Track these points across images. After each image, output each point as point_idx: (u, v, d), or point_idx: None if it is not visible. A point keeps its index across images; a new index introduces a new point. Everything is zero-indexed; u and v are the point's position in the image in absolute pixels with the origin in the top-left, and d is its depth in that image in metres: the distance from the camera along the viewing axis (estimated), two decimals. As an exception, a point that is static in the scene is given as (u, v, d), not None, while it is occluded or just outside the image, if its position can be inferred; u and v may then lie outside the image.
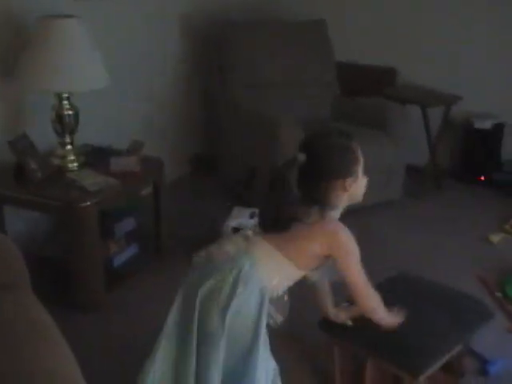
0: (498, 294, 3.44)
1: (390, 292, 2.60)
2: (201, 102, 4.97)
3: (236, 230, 3.47)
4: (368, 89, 4.90)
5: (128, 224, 3.58)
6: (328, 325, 2.53)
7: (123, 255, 3.52)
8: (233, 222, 3.50)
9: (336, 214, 2.21)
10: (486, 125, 4.88)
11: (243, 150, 4.32)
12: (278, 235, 2.16)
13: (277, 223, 2.16)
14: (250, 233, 2.41)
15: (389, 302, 2.43)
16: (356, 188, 2.21)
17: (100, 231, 3.18)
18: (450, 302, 2.62)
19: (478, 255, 3.91)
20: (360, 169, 2.20)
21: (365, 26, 5.25)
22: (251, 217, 3.55)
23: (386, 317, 2.31)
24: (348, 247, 2.13)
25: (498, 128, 4.92)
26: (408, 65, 5.12)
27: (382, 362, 2.43)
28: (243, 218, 3.55)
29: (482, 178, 4.96)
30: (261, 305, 2.12)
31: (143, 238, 3.69)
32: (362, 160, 2.21)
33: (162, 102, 4.64)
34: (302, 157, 2.13)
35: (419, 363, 2.31)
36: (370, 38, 5.24)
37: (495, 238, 4.08)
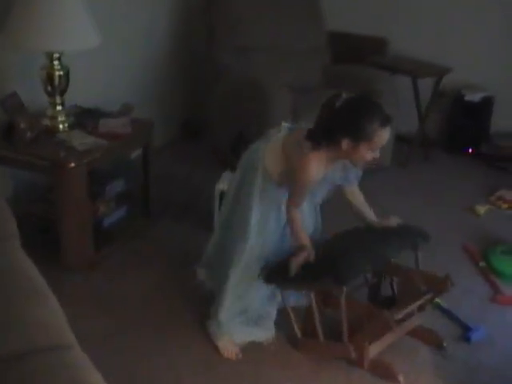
0: (482, 264, 3.49)
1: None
2: (192, 65, 4.95)
3: (224, 193, 3.47)
4: (359, 58, 4.88)
5: (117, 186, 3.57)
6: (271, 276, 2.69)
7: (112, 216, 3.53)
8: (222, 186, 3.49)
9: (321, 155, 2.49)
10: (476, 97, 4.90)
11: (231, 114, 4.30)
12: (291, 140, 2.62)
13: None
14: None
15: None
16: (352, 154, 2.48)
17: (89, 192, 3.19)
18: (385, 229, 2.75)
19: (463, 225, 3.95)
20: (366, 146, 2.43)
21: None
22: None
23: (300, 236, 2.60)
24: (304, 176, 2.49)
25: (488, 101, 4.94)
26: (399, 35, 5.09)
27: (316, 287, 2.61)
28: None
29: (470, 150, 4.99)
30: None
31: (132, 201, 3.70)
32: (375, 143, 2.44)
33: (152, 65, 4.62)
34: (344, 95, 2.45)
35: (342, 273, 2.47)
36: (362, 7, 5.21)
37: (481, 209, 4.12)
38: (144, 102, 4.27)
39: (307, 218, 2.85)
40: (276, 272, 2.68)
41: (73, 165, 3.05)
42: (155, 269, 3.32)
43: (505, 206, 4.17)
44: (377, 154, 2.50)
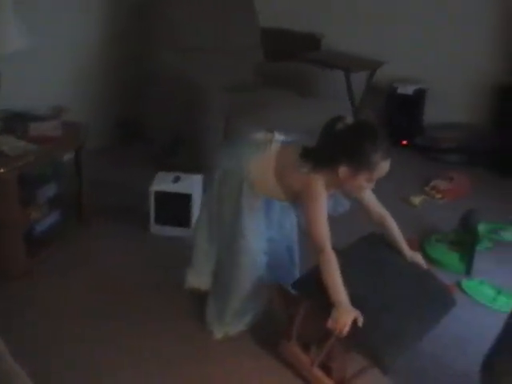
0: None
1: (358, 259, 2.61)
2: (127, 66, 4.89)
3: (159, 194, 3.45)
4: (293, 54, 4.91)
5: (50, 190, 3.50)
6: (304, 286, 2.51)
7: (45, 222, 3.46)
8: (157, 187, 3.47)
9: (320, 182, 2.37)
10: (409, 90, 4.98)
11: (167, 115, 4.28)
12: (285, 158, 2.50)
13: None
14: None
15: (358, 273, 2.47)
16: (348, 183, 2.38)
17: (20, 197, 3.12)
18: (418, 284, 2.54)
19: (399, 216, 3.94)
20: (366, 176, 2.33)
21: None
22: (175, 181, 3.53)
23: (336, 290, 2.29)
24: (314, 197, 2.35)
25: (421, 93, 5.03)
26: (333, 31, 5.16)
27: (354, 350, 2.41)
28: (167, 182, 3.53)
29: (405, 142, 5.07)
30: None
31: (66, 205, 3.63)
32: (375, 174, 2.34)
33: (85, 67, 4.55)
34: (349, 120, 2.34)
35: (389, 359, 2.24)
36: (295, 3, 5.26)
37: (416, 200, 4.19)
38: (78, 105, 4.20)
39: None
40: (309, 283, 2.48)
41: (2, 170, 2.99)
42: (92, 272, 3.28)
43: (438, 195, 4.26)
44: (372, 186, 2.42)
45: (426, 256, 3.50)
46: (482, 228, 3.69)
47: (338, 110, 4.40)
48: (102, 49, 4.71)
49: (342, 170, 2.33)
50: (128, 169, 4.42)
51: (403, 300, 2.42)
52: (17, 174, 3.05)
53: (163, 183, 3.51)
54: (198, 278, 2.87)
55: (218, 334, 2.79)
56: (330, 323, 2.25)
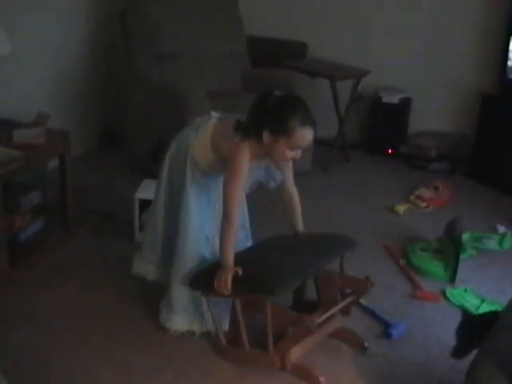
0: (402, 262, 3.55)
1: (255, 245, 2.89)
2: (110, 73, 4.88)
3: (144, 202, 3.44)
4: (279, 62, 4.92)
5: (34, 197, 3.48)
6: (196, 282, 2.67)
7: (29, 230, 3.43)
8: (141, 194, 3.46)
9: (246, 149, 2.51)
10: (394, 99, 5.01)
11: (151, 121, 4.27)
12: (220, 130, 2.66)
13: None
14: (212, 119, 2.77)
15: (250, 251, 2.77)
16: (271, 149, 2.50)
17: (4, 205, 3.10)
18: (310, 241, 2.77)
19: (384, 225, 4.02)
20: (285, 142, 2.46)
21: (276, 0, 5.28)
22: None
23: (226, 255, 2.51)
24: (236, 165, 2.50)
25: (405, 102, 5.06)
26: (319, 40, 5.17)
27: (243, 296, 2.55)
28: (152, 189, 3.50)
29: (390, 151, 5.09)
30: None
31: (50, 213, 3.61)
32: (294, 141, 2.46)
33: (67, 73, 4.54)
34: (277, 93, 2.48)
35: (270, 281, 2.45)
36: (281, 12, 5.27)
37: (400, 208, 4.20)
38: (61, 112, 4.21)
39: None
40: (201, 278, 2.66)
41: (-15, 177, 2.97)
42: (76, 280, 3.25)
43: (423, 204, 4.27)
44: (297, 155, 2.53)
45: (411, 264, 3.52)
46: (466, 237, 3.70)
47: (322, 119, 4.50)
48: (85, 55, 4.71)
49: (265, 136, 2.47)
50: (112, 176, 4.41)
51: (289, 252, 2.68)
52: (0, 182, 3.03)
53: (148, 190, 3.48)
54: (143, 265, 2.98)
55: (164, 322, 2.83)
56: (215, 285, 2.49)
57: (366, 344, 2.80)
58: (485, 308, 3.16)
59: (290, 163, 2.73)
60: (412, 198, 4.34)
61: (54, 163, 3.65)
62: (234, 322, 2.70)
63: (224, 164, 2.61)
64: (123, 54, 4.48)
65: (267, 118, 2.47)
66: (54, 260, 3.40)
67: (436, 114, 5.07)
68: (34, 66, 4.07)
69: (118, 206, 3.89)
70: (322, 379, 2.57)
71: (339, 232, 2.97)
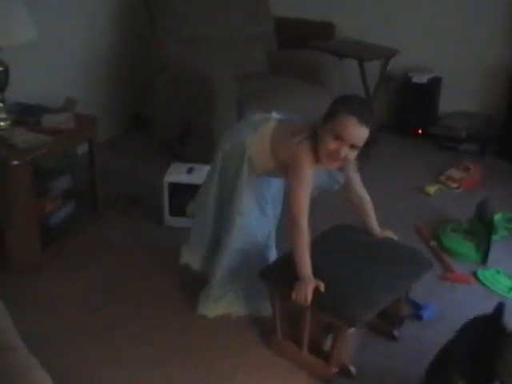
0: (433, 243, 3.52)
1: (330, 242, 2.71)
2: (137, 57, 4.88)
3: (173, 185, 3.44)
4: (306, 43, 4.87)
5: (64, 182, 3.52)
6: (269, 274, 2.57)
7: (60, 214, 3.47)
8: (170, 178, 3.46)
9: (307, 152, 2.41)
10: (423, 79, 4.93)
11: (178, 105, 4.26)
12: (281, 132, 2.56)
13: None
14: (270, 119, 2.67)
15: (327, 253, 2.56)
16: (321, 142, 2.39)
17: (35, 189, 3.13)
18: (389, 252, 2.65)
19: (414, 206, 3.98)
20: (330, 129, 2.35)
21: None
22: (188, 172, 3.52)
23: (302, 264, 2.39)
24: (300, 168, 2.40)
25: (435, 82, 4.98)
26: (346, 20, 5.10)
27: (321, 312, 2.45)
28: (181, 173, 3.52)
29: (420, 132, 5.03)
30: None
31: (80, 197, 3.64)
32: (337, 127, 2.34)
33: (96, 59, 4.55)
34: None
35: (355, 312, 2.34)
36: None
37: (431, 189, 4.16)
38: (88, 97, 4.22)
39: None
40: (273, 272, 2.59)
41: (15, 162, 3.00)
42: (106, 264, 3.27)
43: (454, 184, 4.22)
44: (343, 151, 2.36)
45: (442, 246, 3.49)
46: (497, 217, 3.65)
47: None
48: (111, 40, 4.70)
49: (319, 129, 2.40)
50: (140, 160, 4.42)
51: (372, 270, 2.51)
52: (30, 167, 3.06)
53: (177, 174, 3.50)
54: (191, 256, 2.96)
55: (202, 310, 2.82)
56: (293, 295, 2.37)
57: (395, 334, 2.77)
58: (517, 289, 3.13)
59: (353, 164, 2.59)
60: (442, 178, 4.29)
61: (83, 148, 3.67)
62: (297, 325, 2.59)
63: (284, 171, 2.52)
64: (149, 39, 4.47)
65: (327, 110, 2.42)
66: (85, 244, 3.43)
67: (466, 94, 4.98)
68: (60, 51, 4.08)
69: (146, 189, 3.90)
70: (352, 368, 2.55)
71: (414, 249, 2.83)
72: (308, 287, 2.35)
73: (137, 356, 2.64)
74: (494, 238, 3.45)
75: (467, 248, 3.45)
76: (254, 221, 2.72)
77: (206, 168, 3.55)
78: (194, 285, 2.99)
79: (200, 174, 3.51)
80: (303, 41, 4.86)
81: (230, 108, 3.90)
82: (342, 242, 2.71)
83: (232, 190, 2.69)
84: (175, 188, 3.46)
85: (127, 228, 3.60)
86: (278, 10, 4.94)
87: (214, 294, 2.79)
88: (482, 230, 3.48)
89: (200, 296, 2.86)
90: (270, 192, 2.77)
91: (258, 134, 2.61)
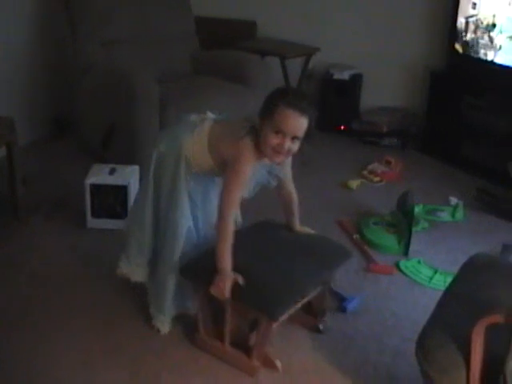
0: (356, 236, 3.59)
1: (251, 237, 2.72)
2: (59, 61, 4.79)
3: (95, 186, 3.40)
4: (228, 43, 4.89)
5: (-18, 188, 3.44)
6: (190, 270, 2.57)
7: (-22, 220, 3.38)
8: (91, 179, 3.42)
9: (250, 146, 2.40)
10: (345, 75, 5.02)
11: (100, 109, 4.20)
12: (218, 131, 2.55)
13: None
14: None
15: (248, 248, 2.56)
16: (262, 138, 2.38)
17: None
18: (309, 246, 2.69)
19: (337, 201, 4.05)
20: (269, 125, 2.34)
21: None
22: (110, 173, 3.48)
23: (223, 258, 2.41)
24: (239, 164, 2.40)
25: (356, 78, 5.07)
26: (268, 18, 5.16)
27: (242, 307, 2.47)
28: (102, 174, 3.48)
29: (342, 127, 5.11)
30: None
31: (0, 203, 3.55)
32: (277, 122, 2.33)
33: (16, 62, 4.44)
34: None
35: (276, 307, 2.38)
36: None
37: (353, 183, 4.23)
38: (8, 101, 4.12)
39: None
40: (193, 269, 2.58)
41: None
42: (29, 269, 3.20)
43: (376, 178, 4.31)
44: (284, 144, 2.35)
45: (364, 239, 3.55)
46: (418, 209, 3.75)
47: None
48: (32, 42, 4.60)
49: (257, 122, 2.40)
50: (63, 164, 4.34)
51: (291, 262, 2.55)
52: None
53: (99, 175, 3.45)
54: (129, 267, 2.81)
55: (163, 328, 2.75)
56: (212, 289, 2.41)
57: (320, 326, 2.80)
58: (438, 278, 3.21)
59: (289, 160, 2.62)
60: (365, 172, 4.38)
61: (1, 152, 3.58)
62: (218, 319, 2.60)
63: (224, 168, 2.49)
64: (70, 41, 4.39)
65: (262, 105, 2.40)
66: (6, 250, 3.34)
67: (387, 90, 5.10)
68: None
69: (69, 193, 3.83)
70: (278, 363, 2.57)
71: (332, 241, 2.87)
72: (226, 281, 2.39)
73: (61, 359, 2.59)
74: (415, 229, 3.53)
75: (389, 240, 3.52)
76: (194, 219, 2.70)
77: (129, 168, 3.55)
78: (121, 288, 2.97)
79: (122, 175, 3.48)
80: (226, 40, 4.87)
81: (153, 109, 3.87)
82: (262, 238, 2.73)
83: (170, 191, 2.64)
84: (97, 189, 3.42)
85: (49, 232, 3.53)
86: (200, 9, 4.93)
87: (169, 308, 2.72)
88: (403, 222, 3.56)
89: (152, 310, 2.78)
90: (202, 191, 2.74)
91: (195, 134, 2.59)
